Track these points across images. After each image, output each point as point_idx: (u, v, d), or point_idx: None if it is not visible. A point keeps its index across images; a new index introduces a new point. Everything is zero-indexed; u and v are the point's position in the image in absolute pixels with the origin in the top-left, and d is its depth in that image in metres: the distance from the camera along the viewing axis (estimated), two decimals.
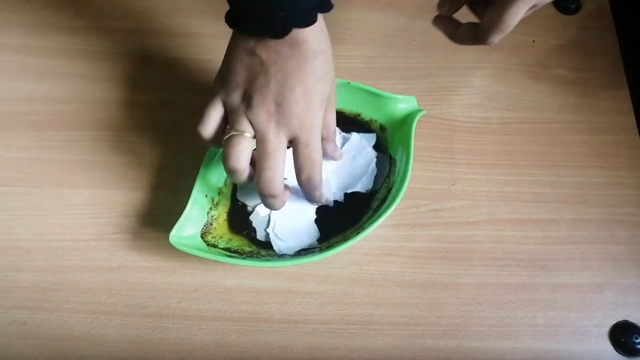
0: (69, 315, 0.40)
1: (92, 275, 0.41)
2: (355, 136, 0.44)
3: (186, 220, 0.39)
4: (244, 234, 0.41)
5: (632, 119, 0.49)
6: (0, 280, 0.41)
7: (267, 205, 0.36)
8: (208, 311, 0.40)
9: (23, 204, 0.43)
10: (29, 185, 0.44)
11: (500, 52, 0.52)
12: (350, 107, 0.45)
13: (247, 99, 0.34)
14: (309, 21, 0.32)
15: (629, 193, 0.46)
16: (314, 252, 0.39)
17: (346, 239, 0.38)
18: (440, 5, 0.42)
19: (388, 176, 0.43)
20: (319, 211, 0.42)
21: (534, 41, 0.53)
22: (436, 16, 0.43)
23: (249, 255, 0.39)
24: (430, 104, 0.48)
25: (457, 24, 0.42)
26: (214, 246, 0.39)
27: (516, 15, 0.36)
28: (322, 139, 0.37)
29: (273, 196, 0.35)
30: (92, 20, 0.51)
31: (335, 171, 0.43)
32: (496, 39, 0.38)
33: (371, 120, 0.45)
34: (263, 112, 0.33)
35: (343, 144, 0.44)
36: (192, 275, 0.41)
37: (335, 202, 0.42)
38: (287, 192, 0.37)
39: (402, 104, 0.45)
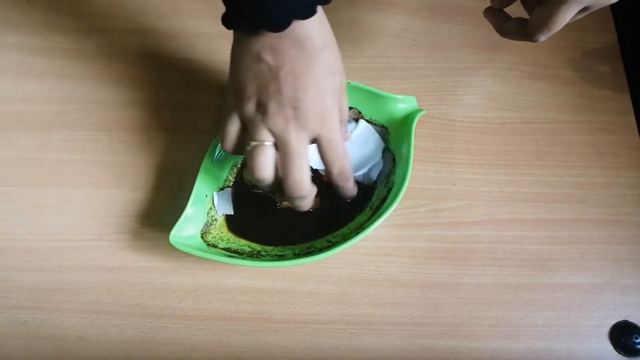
0: (69, 315, 0.40)
1: (92, 275, 0.41)
2: (362, 123, 0.45)
3: (186, 220, 0.39)
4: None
5: (632, 119, 0.49)
6: (0, 280, 0.41)
7: (296, 206, 0.37)
8: (208, 311, 0.40)
9: (23, 204, 0.43)
10: (29, 185, 0.44)
11: (500, 52, 0.52)
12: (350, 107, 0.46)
13: (263, 108, 0.33)
14: (309, 13, 0.32)
15: (629, 193, 0.46)
16: (314, 252, 0.39)
17: (346, 239, 0.38)
18: None
19: (388, 175, 0.43)
20: (317, 208, 0.42)
21: None
22: (487, 8, 0.43)
23: (249, 255, 0.39)
24: (430, 104, 0.48)
25: (507, 17, 0.42)
26: (214, 246, 0.39)
27: (566, 14, 0.36)
28: None
29: (302, 197, 0.35)
30: (92, 20, 0.51)
31: None
32: (543, 37, 0.38)
33: (371, 120, 0.45)
34: (280, 118, 0.33)
35: (352, 130, 0.45)
36: (192, 275, 0.41)
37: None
38: (315, 190, 0.37)
39: (402, 104, 0.45)
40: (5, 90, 0.48)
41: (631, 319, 0.41)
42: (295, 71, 0.32)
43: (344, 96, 0.37)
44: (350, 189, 0.38)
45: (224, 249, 0.39)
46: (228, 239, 0.41)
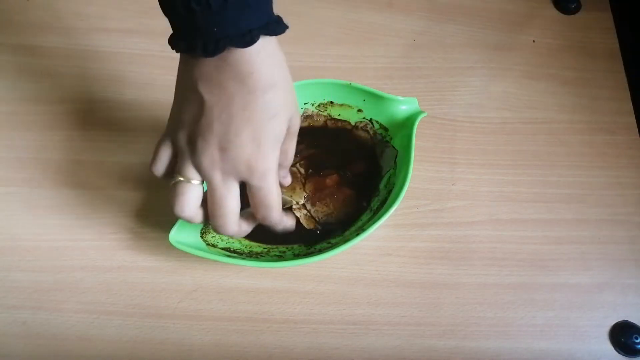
0: (69, 315, 0.40)
1: (92, 275, 0.41)
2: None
3: None
4: None
5: (632, 119, 0.49)
6: (0, 280, 0.41)
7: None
8: (208, 311, 0.40)
9: (23, 204, 0.43)
10: (29, 185, 0.44)
11: (500, 52, 0.52)
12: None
13: (192, 143, 0.31)
14: (246, 41, 0.28)
15: (629, 193, 0.46)
16: (314, 252, 0.39)
17: (346, 240, 0.38)
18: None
19: (389, 177, 0.43)
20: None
21: (534, 41, 0.53)
22: None
23: (249, 255, 0.39)
24: (430, 104, 0.48)
25: None
26: (214, 246, 0.39)
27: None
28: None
29: (230, 236, 0.34)
30: (92, 20, 0.52)
31: None
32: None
33: (372, 121, 0.45)
34: (207, 158, 0.30)
35: None
36: (192, 275, 0.41)
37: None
38: (246, 224, 0.35)
39: (404, 106, 0.44)
40: (4, 90, 0.48)
41: (631, 319, 0.41)
42: (231, 109, 0.29)
43: (291, 140, 0.35)
44: (278, 229, 0.36)
45: (223, 249, 0.39)
46: (228, 239, 0.41)
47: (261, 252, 0.40)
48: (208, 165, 0.31)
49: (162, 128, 0.46)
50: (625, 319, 0.41)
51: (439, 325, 0.40)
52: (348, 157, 0.45)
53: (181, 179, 0.32)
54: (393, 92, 0.44)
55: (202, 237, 0.40)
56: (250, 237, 0.41)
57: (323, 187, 0.43)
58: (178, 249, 0.37)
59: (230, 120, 0.29)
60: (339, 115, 0.46)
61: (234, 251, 0.40)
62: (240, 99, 0.29)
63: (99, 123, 0.47)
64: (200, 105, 0.30)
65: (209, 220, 0.33)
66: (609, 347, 0.40)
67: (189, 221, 0.33)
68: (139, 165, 0.45)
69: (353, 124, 0.46)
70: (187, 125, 0.31)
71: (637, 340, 0.39)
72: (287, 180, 0.40)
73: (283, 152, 0.35)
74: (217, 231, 0.33)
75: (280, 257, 0.39)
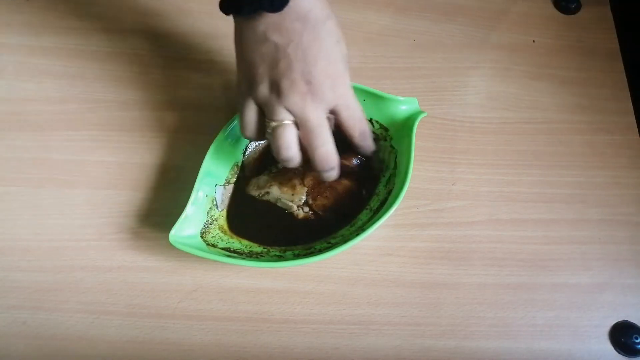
0: (69, 315, 0.40)
1: (92, 275, 0.41)
2: None
3: (186, 220, 0.39)
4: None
5: (632, 119, 0.49)
6: (0, 280, 0.41)
7: (326, 177, 0.37)
8: (208, 311, 0.40)
9: (23, 204, 0.43)
10: (29, 185, 0.44)
11: (500, 52, 0.52)
12: None
13: (276, 87, 0.34)
14: None
15: (629, 193, 0.46)
16: (314, 252, 0.39)
17: (346, 240, 0.38)
18: None
19: (389, 177, 0.43)
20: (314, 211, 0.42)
21: (534, 41, 0.53)
22: None
23: (249, 256, 0.39)
24: (430, 104, 0.48)
25: None
26: (214, 246, 0.39)
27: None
28: None
29: (332, 169, 0.36)
30: (92, 20, 0.51)
31: None
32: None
33: (372, 121, 0.45)
34: (295, 94, 0.33)
35: None
36: (192, 275, 0.41)
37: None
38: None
39: (404, 106, 0.45)
40: (5, 90, 0.48)
41: (631, 319, 0.41)
42: (303, 44, 0.33)
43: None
44: (370, 145, 0.39)
45: (223, 249, 0.39)
46: (228, 239, 0.41)
47: (261, 252, 0.40)
48: (299, 100, 0.33)
49: (162, 128, 0.47)
50: (625, 319, 0.41)
51: (439, 325, 0.40)
52: (345, 151, 0.44)
53: (275, 123, 0.34)
54: (393, 92, 0.44)
55: (202, 237, 0.40)
56: (250, 237, 0.41)
57: (322, 179, 0.43)
58: (178, 249, 0.37)
59: (306, 53, 0.33)
60: None
61: (234, 251, 0.40)
62: (309, 33, 0.33)
63: (99, 123, 0.47)
64: (275, 51, 0.33)
65: (311, 157, 0.35)
66: (609, 347, 0.40)
67: (290, 161, 0.36)
68: (139, 165, 0.45)
69: None
70: (266, 75, 0.34)
71: (637, 340, 0.39)
72: None
73: None
74: (320, 165, 0.35)
75: (280, 257, 0.39)
